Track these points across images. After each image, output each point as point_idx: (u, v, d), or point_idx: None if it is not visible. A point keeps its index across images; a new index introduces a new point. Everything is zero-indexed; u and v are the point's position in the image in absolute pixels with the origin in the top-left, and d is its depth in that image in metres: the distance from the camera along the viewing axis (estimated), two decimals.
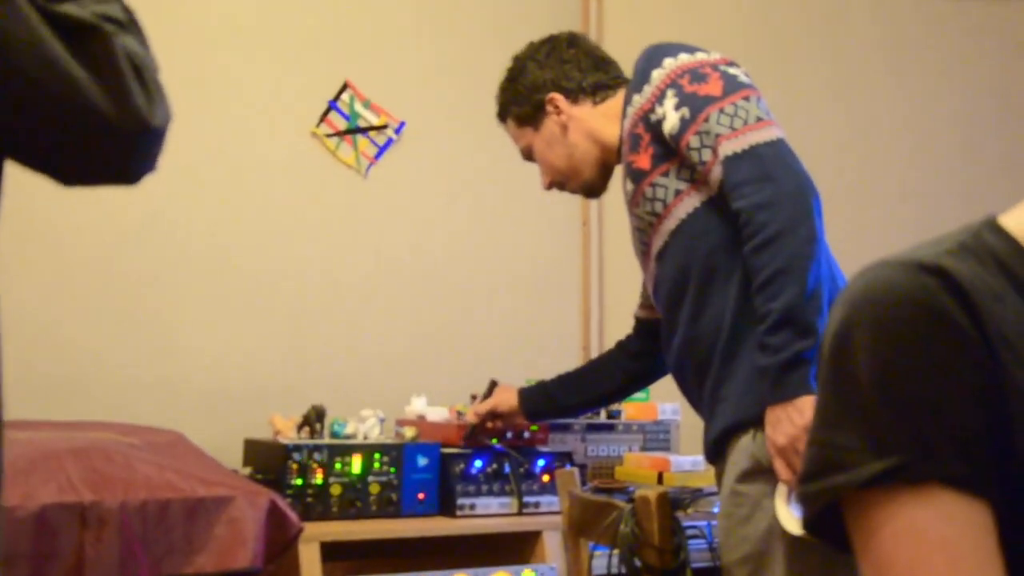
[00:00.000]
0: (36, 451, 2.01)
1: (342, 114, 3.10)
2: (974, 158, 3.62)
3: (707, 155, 1.76)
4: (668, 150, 1.82)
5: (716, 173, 1.75)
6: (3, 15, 0.85)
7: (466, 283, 3.19)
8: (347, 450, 2.47)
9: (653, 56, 1.87)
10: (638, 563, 1.87)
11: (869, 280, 0.76)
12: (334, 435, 2.57)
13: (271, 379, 2.94)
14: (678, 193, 1.83)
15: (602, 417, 2.86)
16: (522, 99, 2.03)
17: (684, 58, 1.84)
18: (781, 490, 1.68)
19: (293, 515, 2.18)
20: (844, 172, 3.49)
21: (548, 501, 2.55)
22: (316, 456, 2.43)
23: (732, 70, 1.82)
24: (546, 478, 2.58)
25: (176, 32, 2.91)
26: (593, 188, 2.07)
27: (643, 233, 1.92)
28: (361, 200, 3.11)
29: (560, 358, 2.97)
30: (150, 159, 0.96)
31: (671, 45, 1.88)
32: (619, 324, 2.38)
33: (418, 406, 2.76)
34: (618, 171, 2.00)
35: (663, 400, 2.86)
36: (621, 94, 1.96)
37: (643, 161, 1.85)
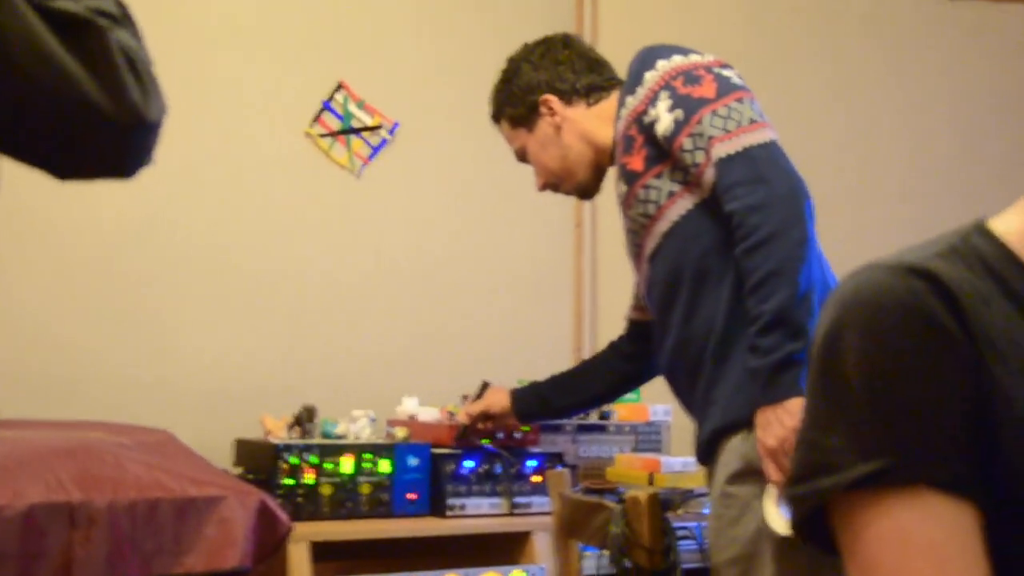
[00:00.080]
0: (25, 450, 2.01)
1: (336, 114, 3.10)
2: (973, 158, 3.63)
3: (700, 157, 1.76)
4: (661, 152, 1.82)
5: (709, 175, 1.75)
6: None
7: (459, 284, 3.19)
8: (338, 450, 2.46)
9: (647, 58, 1.87)
10: (628, 564, 1.87)
11: (858, 283, 0.76)
12: (325, 435, 2.57)
13: (262, 379, 2.94)
14: (671, 195, 1.83)
15: (593, 418, 2.86)
16: (516, 100, 2.03)
17: (677, 60, 1.84)
18: (771, 491, 1.68)
19: (283, 515, 2.18)
20: (843, 172, 3.50)
21: (539, 502, 2.55)
22: (307, 456, 2.43)
23: (725, 72, 1.82)
24: (537, 479, 2.59)
25: (170, 32, 2.91)
26: (587, 189, 2.07)
27: (636, 235, 1.92)
28: (354, 201, 3.11)
29: (552, 359, 2.97)
30: (145, 152, 0.96)
31: (665, 47, 1.88)
32: (611, 325, 2.38)
33: (409, 406, 2.76)
34: (611, 173, 2.00)
35: (654, 401, 2.86)
36: (615, 96, 1.96)
37: (636, 163, 1.86)
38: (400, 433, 2.62)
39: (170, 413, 2.76)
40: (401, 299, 3.13)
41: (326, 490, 2.43)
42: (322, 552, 2.34)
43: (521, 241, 3.26)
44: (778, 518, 1.65)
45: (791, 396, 1.64)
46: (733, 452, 1.76)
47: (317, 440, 2.52)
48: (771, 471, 1.67)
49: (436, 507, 2.52)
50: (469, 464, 2.55)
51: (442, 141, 3.19)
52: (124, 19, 0.93)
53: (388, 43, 3.17)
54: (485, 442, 2.59)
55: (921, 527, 0.71)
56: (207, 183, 2.97)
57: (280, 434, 2.55)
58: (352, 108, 3.11)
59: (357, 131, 3.11)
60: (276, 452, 2.41)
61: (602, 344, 2.32)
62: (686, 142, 1.77)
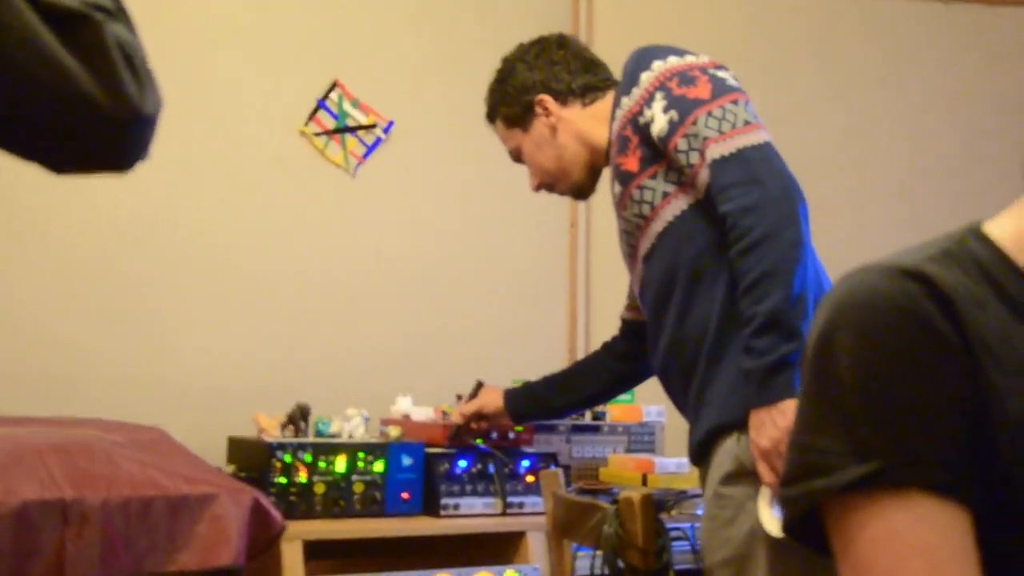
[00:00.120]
0: (18, 447, 2.00)
1: (331, 113, 3.10)
2: (971, 159, 3.63)
3: (695, 158, 1.76)
4: (656, 153, 1.83)
5: (703, 176, 1.76)
6: None
7: (453, 283, 3.19)
8: (331, 449, 2.46)
9: (642, 59, 1.88)
10: (621, 564, 1.87)
11: (852, 285, 0.76)
12: (319, 434, 2.56)
13: (256, 377, 2.94)
14: (665, 195, 1.83)
15: (587, 418, 2.86)
16: (511, 100, 2.03)
17: (673, 61, 1.84)
18: (764, 493, 1.68)
19: (276, 513, 2.17)
20: (842, 172, 3.51)
21: (532, 502, 2.54)
22: (300, 455, 2.42)
23: (721, 73, 1.82)
24: (530, 479, 2.58)
25: (165, 31, 2.90)
26: (582, 190, 2.07)
27: (630, 235, 1.92)
28: (349, 200, 3.10)
29: (546, 359, 2.97)
30: (142, 146, 0.96)
31: (660, 48, 1.89)
32: (605, 326, 2.39)
33: (403, 405, 2.76)
34: (606, 173, 2.00)
35: (648, 402, 2.86)
36: (610, 96, 1.96)
37: (631, 163, 1.86)
38: (394, 432, 2.62)
39: (164, 411, 2.76)
40: (396, 298, 3.13)
41: (319, 489, 2.43)
42: (315, 551, 2.34)
43: (516, 241, 3.26)
44: (771, 519, 1.66)
45: (785, 397, 1.64)
46: (727, 453, 1.77)
47: (311, 439, 2.52)
48: (764, 472, 1.67)
49: (429, 506, 2.52)
50: (463, 464, 2.55)
51: (437, 140, 3.19)
52: (119, 12, 0.93)
53: (383, 42, 3.17)
54: (479, 442, 2.59)
55: (914, 529, 0.71)
56: (202, 182, 2.97)
57: (274, 432, 2.55)
58: (347, 107, 3.10)
59: (352, 130, 3.11)
60: (270, 450, 2.41)
61: (596, 344, 2.32)
62: (681, 143, 1.77)
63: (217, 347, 2.93)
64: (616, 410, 2.90)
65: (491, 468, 2.56)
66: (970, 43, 3.70)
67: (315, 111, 3.08)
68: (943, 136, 3.64)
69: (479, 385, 2.44)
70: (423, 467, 2.53)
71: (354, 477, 2.47)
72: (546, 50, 2.03)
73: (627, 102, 1.86)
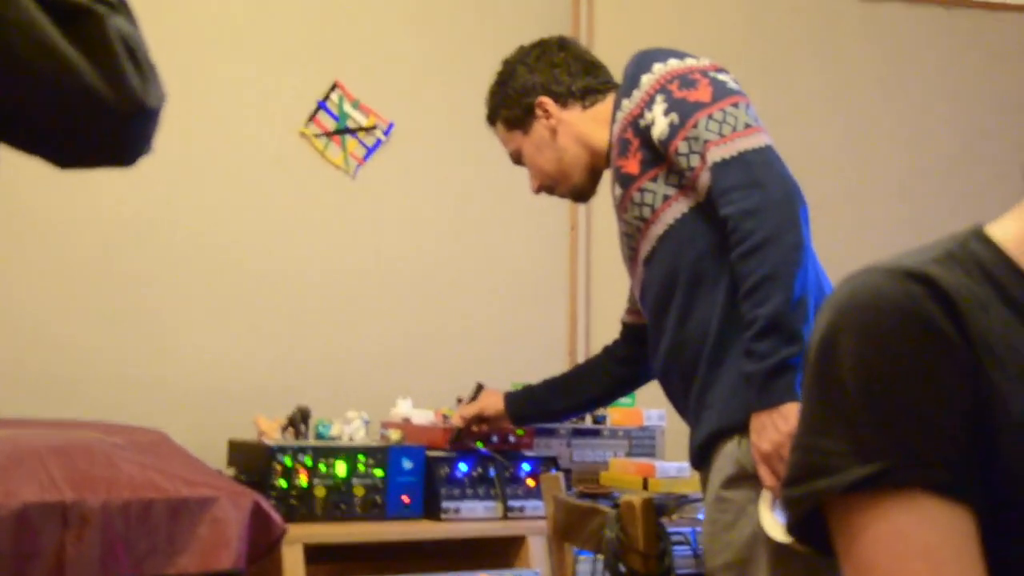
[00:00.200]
0: (18, 449, 2.00)
1: (331, 114, 3.10)
2: (971, 160, 3.64)
3: (695, 161, 1.76)
4: (657, 155, 1.83)
5: (704, 179, 1.76)
6: None
7: (453, 286, 3.18)
8: (332, 452, 2.46)
9: (643, 61, 1.87)
10: (623, 568, 1.87)
11: (855, 287, 0.76)
12: (319, 437, 2.56)
13: (256, 379, 2.93)
14: (666, 198, 1.83)
15: (588, 422, 2.86)
16: (511, 103, 2.03)
17: (674, 64, 1.84)
18: (766, 496, 1.68)
19: (277, 516, 2.17)
20: (843, 173, 3.50)
21: (533, 505, 2.54)
22: (301, 458, 2.42)
23: (721, 76, 1.82)
24: (531, 482, 2.58)
25: (165, 32, 2.90)
26: (582, 192, 2.07)
27: (631, 238, 1.92)
28: (349, 201, 3.10)
29: (547, 362, 2.96)
30: (145, 140, 0.96)
31: (661, 51, 1.88)
32: (606, 329, 2.38)
33: (404, 408, 2.76)
34: (607, 176, 2.00)
35: (649, 406, 2.85)
36: (611, 99, 1.96)
37: (632, 166, 1.86)
38: (394, 435, 2.62)
39: (164, 413, 2.76)
40: (396, 300, 3.13)
41: (320, 492, 2.42)
42: (316, 554, 2.34)
43: (516, 243, 3.26)
44: (773, 523, 1.65)
45: (786, 401, 1.64)
46: (728, 457, 1.76)
47: (311, 442, 2.52)
48: (766, 476, 1.66)
49: (430, 510, 2.52)
50: (463, 467, 2.55)
51: (437, 142, 3.19)
52: (121, 6, 0.94)
53: (384, 43, 3.17)
54: (479, 445, 2.58)
55: (917, 530, 0.71)
56: (203, 183, 2.97)
57: (274, 435, 2.55)
58: (347, 108, 3.10)
59: (352, 131, 3.11)
60: (270, 453, 2.40)
61: (596, 347, 2.31)
62: (681, 146, 1.77)
63: (217, 349, 2.93)
64: (617, 414, 2.89)
65: (492, 472, 2.56)
66: (970, 46, 3.70)
67: (315, 112, 3.08)
68: (943, 137, 3.64)
69: (479, 388, 2.44)
70: (423, 470, 2.53)
71: (355, 480, 2.46)
72: (546, 52, 2.03)
73: (628, 105, 1.86)
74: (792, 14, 3.56)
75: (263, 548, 2.14)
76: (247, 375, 2.93)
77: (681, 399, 1.90)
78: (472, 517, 2.52)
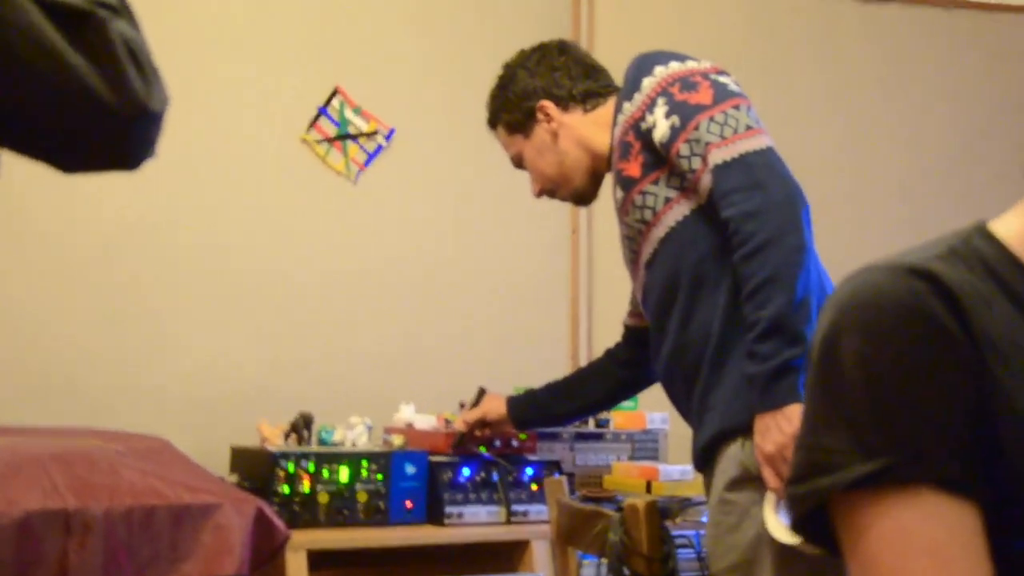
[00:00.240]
0: (20, 457, 2.00)
1: (332, 120, 3.10)
2: (971, 160, 3.64)
3: (697, 163, 1.76)
4: (658, 158, 1.82)
5: (705, 181, 1.75)
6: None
7: (455, 290, 3.18)
8: (335, 458, 2.46)
9: (643, 64, 1.87)
10: (627, 572, 1.86)
11: (858, 284, 0.76)
12: (322, 442, 2.56)
13: (258, 385, 2.93)
14: (668, 201, 1.83)
15: (590, 426, 2.85)
16: (512, 106, 2.03)
17: (675, 66, 1.84)
18: (769, 498, 1.67)
19: (280, 523, 2.17)
20: (843, 173, 3.50)
21: (536, 510, 2.54)
22: (303, 464, 2.42)
23: (722, 79, 1.82)
24: (534, 487, 2.58)
25: (166, 38, 2.89)
26: (583, 196, 2.06)
27: (632, 241, 1.92)
28: (350, 207, 3.10)
29: (549, 366, 2.96)
30: (149, 143, 0.96)
31: (661, 53, 1.89)
32: (608, 332, 2.38)
33: (406, 414, 2.75)
34: (608, 179, 2.00)
35: (652, 409, 2.85)
36: (612, 102, 1.96)
37: (633, 169, 1.86)
38: (397, 441, 2.61)
39: (166, 419, 2.75)
40: (398, 305, 3.13)
41: (323, 498, 2.42)
42: (319, 560, 2.33)
43: (517, 248, 3.26)
44: (777, 525, 1.65)
45: (789, 402, 1.64)
46: (731, 459, 1.76)
47: (314, 448, 2.52)
48: (770, 477, 1.66)
49: (433, 515, 2.51)
50: (466, 472, 2.54)
51: (438, 147, 3.19)
52: (123, 9, 0.94)
53: (384, 49, 3.17)
54: (482, 450, 2.58)
55: (922, 526, 0.71)
56: (204, 189, 2.97)
57: (276, 441, 2.54)
58: (348, 114, 3.10)
59: (353, 137, 3.11)
60: (273, 460, 2.40)
61: (598, 351, 2.31)
62: (683, 148, 1.77)
63: (219, 354, 2.93)
64: (619, 417, 2.89)
65: (495, 476, 2.56)
66: (969, 46, 3.71)
67: (316, 118, 3.08)
68: (943, 137, 3.65)
69: (482, 392, 2.44)
70: (426, 475, 2.52)
71: (357, 486, 2.46)
72: (547, 56, 2.03)
73: (629, 108, 1.86)
74: (792, 15, 3.56)
75: (266, 555, 2.14)
76: (249, 381, 2.93)
77: (684, 402, 1.90)
78: (475, 522, 2.52)
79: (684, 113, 1.77)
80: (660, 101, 1.81)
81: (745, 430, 1.72)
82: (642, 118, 1.83)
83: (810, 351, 0.79)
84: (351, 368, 3.04)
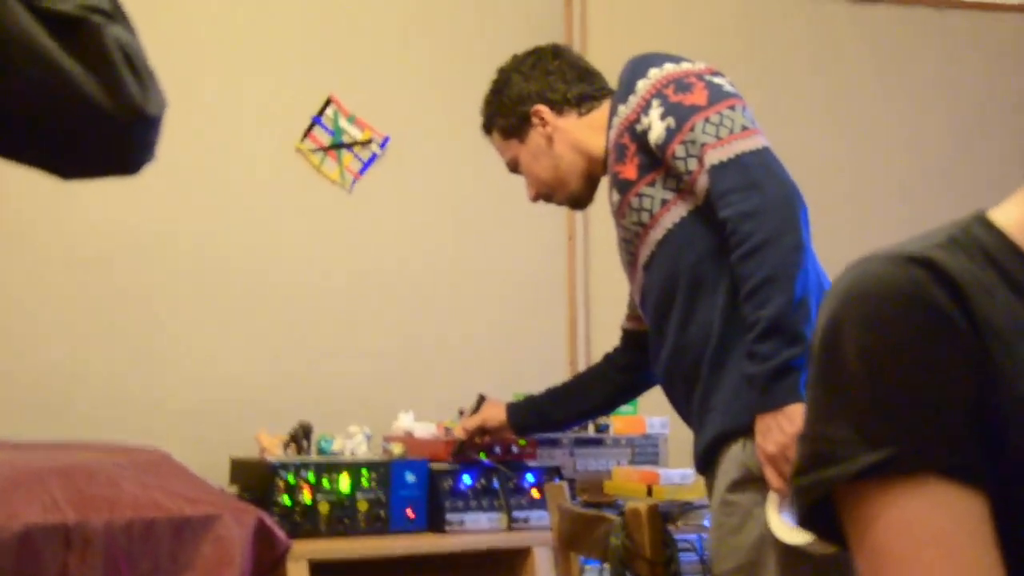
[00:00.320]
0: (19, 471, 1.99)
1: (326, 129, 3.10)
2: (968, 159, 3.65)
3: (693, 164, 1.76)
4: (654, 160, 1.82)
5: (702, 182, 1.75)
6: None
7: (453, 297, 3.18)
8: (334, 467, 2.45)
9: (638, 67, 1.88)
10: None
11: (858, 274, 0.76)
12: (321, 452, 2.55)
13: (256, 396, 2.92)
14: (664, 203, 1.83)
15: (590, 431, 2.85)
16: (507, 111, 2.03)
17: (669, 68, 1.84)
18: (772, 499, 1.67)
19: (281, 533, 2.16)
20: (840, 175, 3.51)
21: (537, 516, 2.53)
22: (303, 474, 2.41)
23: (717, 79, 1.82)
24: (535, 493, 2.57)
25: (159, 48, 2.89)
26: (579, 199, 2.06)
27: (630, 244, 1.91)
28: (346, 215, 3.10)
29: (547, 372, 2.95)
30: (147, 148, 0.96)
31: (656, 55, 1.89)
32: (606, 337, 2.38)
33: (405, 422, 2.75)
34: (604, 182, 2.00)
35: (651, 414, 2.85)
36: (606, 105, 1.96)
37: (629, 171, 1.85)
38: (396, 449, 2.61)
39: (164, 431, 2.74)
40: (396, 313, 3.12)
41: (323, 508, 2.41)
42: (320, 570, 2.33)
43: (514, 254, 3.25)
44: (781, 525, 1.64)
45: (790, 402, 1.64)
46: (733, 460, 1.76)
47: (313, 457, 2.51)
48: (772, 478, 1.66)
49: (434, 523, 2.51)
50: (467, 479, 2.54)
51: (433, 154, 3.19)
52: (117, 14, 0.94)
53: (377, 57, 3.17)
54: (482, 457, 2.57)
55: (929, 515, 0.70)
56: (200, 200, 2.97)
57: (276, 451, 2.54)
58: (343, 123, 3.10)
59: (348, 146, 3.11)
60: (272, 470, 2.39)
61: (597, 355, 2.31)
62: (679, 149, 1.77)
63: (216, 365, 2.93)
64: (619, 422, 2.88)
65: (495, 483, 2.55)
66: (964, 46, 3.72)
67: (310, 127, 3.08)
68: (940, 137, 3.65)
69: (481, 399, 2.43)
70: (427, 484, 2.52)
71: (358, 495, 2.45)
72: (541, 60, 2.03)
73: (624, 110, 1.86)
74: (784, 17, 3.57)
75: (267, 565, 2.13)
76: (247, 391, 2.92)
77: (684, 404, 1.89)
78: (477, 529, 2.51)
79: (679, 114, 1.77)
80: (655, 103, 1.81)
81: (746, 431, 1.71)
82: (637, 120, 1.83)
83: (811, 346, 0.79)
84: (349, 377, 3.04)
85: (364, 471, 2.47)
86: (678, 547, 1.89)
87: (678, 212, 1.82)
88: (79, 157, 0.95)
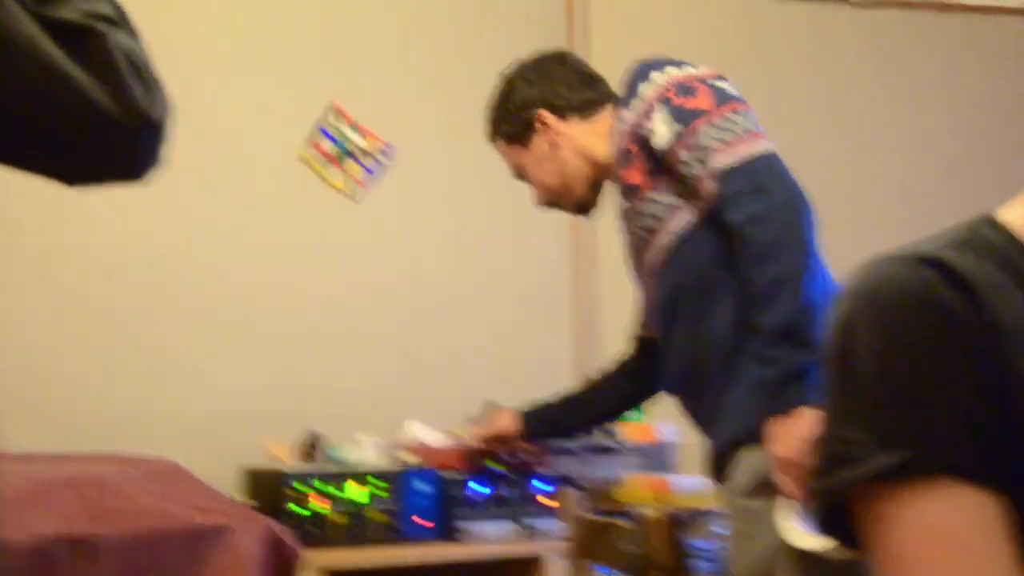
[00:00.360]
0: (33, 483, 2.00)
1: (330, 137, 3.10)
2: (969, 163, 3.64)
3: (698, 169, 1.76)
4: (659, 165, 1.82)
5: (708, 186, 1.75)
6: (1, 20, 0.86)
7: (459, 305, 3.18)
8: (345, 476, 2.45)
9: (642, 71, 1.87)
10: None
11: (869, 276, 0.76)
12: (331, 461, 2.55)
13: (266, 405, 2.92)
14: (671, 208, 1.82)
15: (601, 439, 2.84)
16: (511, 117, 2.03)
17: (673, 72, 1.84)
18: (785, 504, 1.66)
19: (292, 542, 2.16)
20: (841, 178, 3.50)
21: (549, 524, 2.53)
22: (313, 483, 2.41)
23: (721, 83, 1.82)
24: (547, 501, 2.57)
25: (160, 56, 2.90)
26: (585, 205, 2.06)
27: (637, 250, 1.91)
28: (351, 223, 3.10)
29: (554, 379, 2.94)
30: (153, 153, 0.97)
31: (659, 60, 1.89)
32: (613, 344, 2.37)
33: (415, 430, 2.74)
34: (610, 188, 1.99)
35: (662, 421, 2.84)
36: (611, 110, 1.96)
37: (634, 176, 1.85)
38: (407, 457, 2.60)
39: (174, 442, 2.74)
40: (402, 322, 3.12)
41: (334, 517, 2.41)
42: None
43: (520, 260, 3.25)
44: (795, 530, 1.64)
45: (800, 406, 1.63)
46: (745, 466, 1.75)
47: (323, 466, 2.51)
48: (784, 483, 1.65)
49: (446, 532, 2.50)
50: (478, 488, 2.53)
51: (437, 161, 3.19)
52: (121, 20, 0.95)
53: (380, 64, 3.18)
54: (493, 465, 2.57)
55: (946, 517, 0.70)
56: (204, 210, 2.97)
57: (285, 460, 2.54)
58: (347, 131, 3.11)
59: (352, 154, 3.11)
60: (283, 479, 2.39)
61: (604, 362, 2.31)
62: (683, 154, 1.77)
63: (224, 375, 2.93)
64: (630, 430, 2.87)
65: (507, 491, 2.55)
66: (965, 49, 3.71)
67: (314, 136, 3.08)
68: (941, 140, 3.65)
69: (491, 406, 2.43)
70: (438, 492, 2.51)
71: (369, 504, 2.45)
72: (545, 66, 2.03)
73: (628, 115, 1.86)
74: (787, 21, 3.57)
75: (279, 575, 2.13)
76: (256, 401, 2.92)
77: (694, 409, 1.89)
78: (488, 538, 2.51)
79: (683, 119, 1.77)
80: (659, 107, 1.81)
81: (757, 436, 1.70)
82: (641, 125, 1.83)
83: (822, 349, 0.79)
84: (358, 385, 3.03)
85: (375, 480, 2.47)
86: (693, 554, 1.89)
87: (684, 217, 1.81)
88: (85, 164, 0.96)
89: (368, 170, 3.12)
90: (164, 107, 0.96)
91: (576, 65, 2.06)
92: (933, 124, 3.65)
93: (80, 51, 0.89)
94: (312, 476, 2.41)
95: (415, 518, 2.48)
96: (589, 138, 1.98)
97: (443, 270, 3.17)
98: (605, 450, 2.83)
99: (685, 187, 1.80)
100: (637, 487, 2.70)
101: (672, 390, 1.96)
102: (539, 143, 2.01)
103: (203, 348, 2.93)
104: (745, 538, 1.74)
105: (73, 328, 2.83)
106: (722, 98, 1.79)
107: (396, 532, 2.46)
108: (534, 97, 2.00)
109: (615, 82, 1.98)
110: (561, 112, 1.99)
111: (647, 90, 1.84)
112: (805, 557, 1.64)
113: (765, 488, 1.70)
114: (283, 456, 2.54)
